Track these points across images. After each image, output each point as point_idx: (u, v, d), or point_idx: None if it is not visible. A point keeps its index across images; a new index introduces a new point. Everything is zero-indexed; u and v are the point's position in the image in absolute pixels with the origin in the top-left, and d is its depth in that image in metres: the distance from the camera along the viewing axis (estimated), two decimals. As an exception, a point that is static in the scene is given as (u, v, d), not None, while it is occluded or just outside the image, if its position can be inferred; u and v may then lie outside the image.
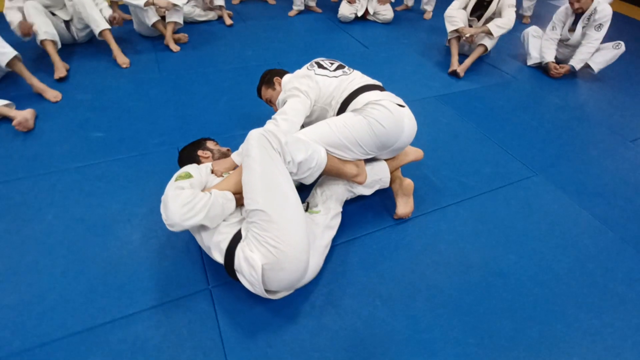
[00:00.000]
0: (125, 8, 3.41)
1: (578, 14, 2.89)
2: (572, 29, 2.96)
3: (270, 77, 1.69)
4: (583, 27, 2.89)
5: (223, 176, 1.35)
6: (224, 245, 1.14)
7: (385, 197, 1.69)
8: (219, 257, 1.16)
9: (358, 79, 1.52)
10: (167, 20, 2.83)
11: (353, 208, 1.63)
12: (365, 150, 1.40)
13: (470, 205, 1.72)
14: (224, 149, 1.56)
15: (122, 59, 2.64)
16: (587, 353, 1.21)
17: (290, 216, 1.10)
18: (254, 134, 1.18)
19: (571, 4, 2.85)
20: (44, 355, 1.10)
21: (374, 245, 1.50)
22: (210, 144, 1.55)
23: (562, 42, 3.06)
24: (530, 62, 3.15)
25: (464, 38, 2.91)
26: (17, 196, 1.62)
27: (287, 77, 1.63)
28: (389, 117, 1.36)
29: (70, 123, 2.10)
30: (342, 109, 1.48)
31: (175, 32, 2.98)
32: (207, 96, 2.40)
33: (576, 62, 2.93)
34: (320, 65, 1.56)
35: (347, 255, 1.44)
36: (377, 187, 1.57)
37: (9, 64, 2.16)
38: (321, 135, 1.33)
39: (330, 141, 1.34)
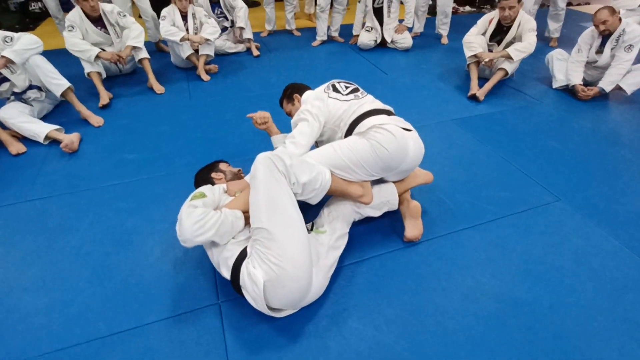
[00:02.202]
0: (164, 41, 3.76)
1: (605, 36, 2.81)
2: (600, 50, 2.86)
3: (291, 92, 1.79)
4: (612, 49, 2.79)
5: (236, 196, 1.42)
6: (231, 261, 1.19)
7: (394, 220, 1.68)
8: (226, 273, 1.20)
9: (368, 103, 1.56)
10: (200, 53, 3.07)
11: (362, 229, 1.63)
12: (369, 172, 1.42)
13: (485, 230, 1.66)
14: (235, 170, 1.63)
15: (158, 87, 2.88)
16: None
17: (292, 235, 1.13)
18: (260, 157, 1.24)
19: (596, 26, 2.77)
20: (64, 358, 1.18)
21: (381, 267, 1.48)
22: (222, 166, 1.63)
23: (589, 65, 2.96)
24: (556, 85, 3.06)
25: (483, 62, 2.90)
26: (57, 210, 1.78)
27: (306, 95, 1.70)
28: (392, 140, 1.39)
29: (109, 145, 2.30)
30: (350, 131, 1.52)
31: (206, 63, 3.22)
32: (231, 120, 2.55)
33: (606, 84, 2.81)
34: (335, 89, 1.63)
35: (354, 277, 1.44)
36: (385, 209, 1.57)
37: (62, 94, 2.42)
38: (326, 158, 1.38)
39: (335, 163, 1.38)
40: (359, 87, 1.68)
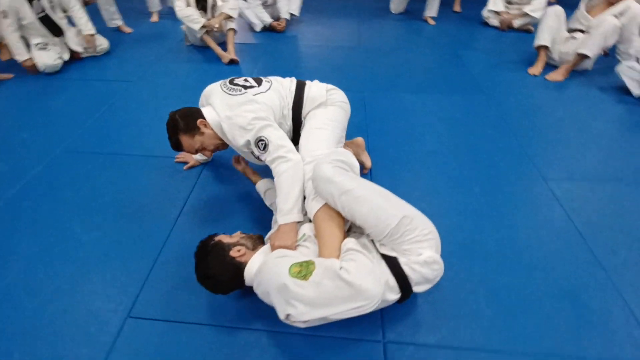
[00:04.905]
0: None
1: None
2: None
3: (188, 123, 1.32)
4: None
5: (302, 243, 1.14)
6: (392, 279, 1.03)
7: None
8: (395, 295, 1.04)
9: (283, 81, 1.48)
10: None
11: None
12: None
13: (373, 137, 2.08)
14: (241, 234, 1.20)
15: None
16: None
17: (407, 204, 1.11)
18: (326, 171, 1.08)
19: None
20: None
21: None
22: (227, 238, 1.16)
23: (265, 6, 3.63)
24: (258, 29, 3.60)
25: (215, 29, 2.93)
26: None
27: (212, 115, 1.33)
28: (343, 94, 1.49)
29: None
30: (296, 112, 1.42)
31: None
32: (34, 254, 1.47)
33: (284, 14, 3.61)
34: (245, 86, 1.36)
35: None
36: None
37: None
38: (329, 141, 1.32)
39: (336, 139, 1.37)
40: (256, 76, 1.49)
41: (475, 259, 1.39)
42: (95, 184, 1.71)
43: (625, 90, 2.54)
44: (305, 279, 0.93)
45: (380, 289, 0.95)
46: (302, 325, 0.98)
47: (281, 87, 1.42)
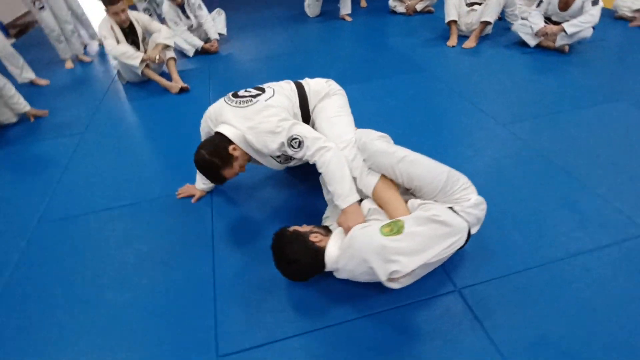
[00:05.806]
0: None
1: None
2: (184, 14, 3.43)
3: (222, 157, 1.29)
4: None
5: (371, 217, 1.21)
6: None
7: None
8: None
9: (281, 84, 1.51)
10: None
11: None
12: None
13: None
14: (307, 226, 1.23)
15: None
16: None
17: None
18: (379, 146, 1.23)
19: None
20: None
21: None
22: (301, 229, 1.19)
23: (191, 30, 3.51)
24: (191, 54, 3.47)
25: (155, 62, 2.75)
26: None
27: (233, 131, 1.30)
28: (336, 83, 1.59)
29: None
30: (304, 109, 1.48)
31: None
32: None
33: (213, 35, 3.54)
34: (253, 96, 1.37)
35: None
36: None
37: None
38: (349, 124, 1.43)
39: (352, 122, 1.47)
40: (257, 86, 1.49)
41: (486, 198, 1.58)
42: (99, 244, 1.53)
43: (523, 44, 3.06)
44: (400, 233, 1.00)
45: (465, 223, 1.08)
46: (398, 286, 1.06)
47: (283, 90, 1.45)
